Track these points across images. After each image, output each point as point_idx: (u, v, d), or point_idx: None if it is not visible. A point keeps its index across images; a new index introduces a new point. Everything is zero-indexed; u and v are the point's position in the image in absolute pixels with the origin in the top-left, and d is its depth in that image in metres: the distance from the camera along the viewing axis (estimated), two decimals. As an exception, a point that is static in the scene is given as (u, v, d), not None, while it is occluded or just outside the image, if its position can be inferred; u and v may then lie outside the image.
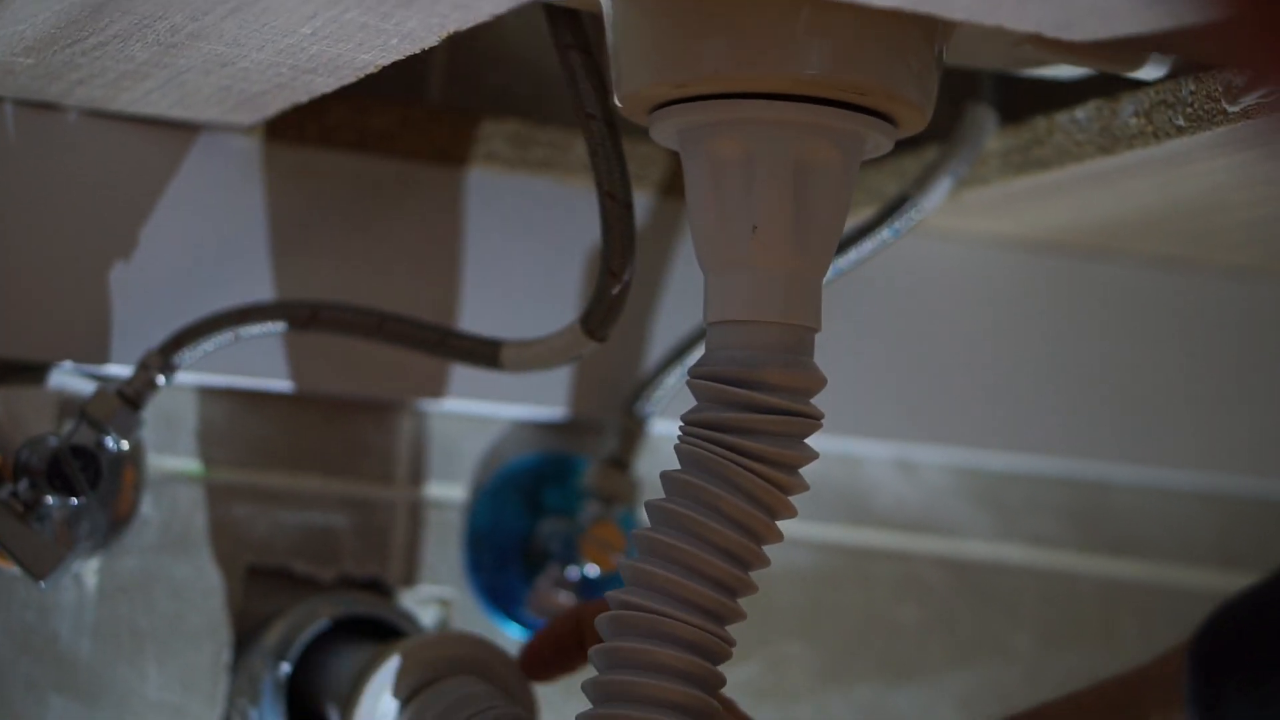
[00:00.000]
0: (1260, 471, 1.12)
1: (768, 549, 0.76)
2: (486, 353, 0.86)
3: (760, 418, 0.74)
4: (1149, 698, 0.81)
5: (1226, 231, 1.01)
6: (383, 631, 0.92)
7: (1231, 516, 1.13)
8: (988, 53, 0.82)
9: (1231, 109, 0.77)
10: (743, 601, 0.76)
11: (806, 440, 0.76)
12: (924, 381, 1.05)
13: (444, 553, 0.97)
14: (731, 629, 0.76)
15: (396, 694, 0.84)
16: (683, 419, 0.76)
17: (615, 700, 0.74)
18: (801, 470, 0.76)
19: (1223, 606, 0.76)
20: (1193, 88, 0.80)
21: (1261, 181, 0.88)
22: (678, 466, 0.76)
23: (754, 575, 0.76)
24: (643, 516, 0.99)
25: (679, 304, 0.99)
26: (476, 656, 0.85)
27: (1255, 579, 1.14)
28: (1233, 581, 1.13)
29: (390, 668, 0.84)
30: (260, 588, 0.94)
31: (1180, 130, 0.80)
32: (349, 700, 0.85)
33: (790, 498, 0.75)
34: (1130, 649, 1.11)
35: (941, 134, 0.91)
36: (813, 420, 0.75)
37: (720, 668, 0.76)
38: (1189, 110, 0.80)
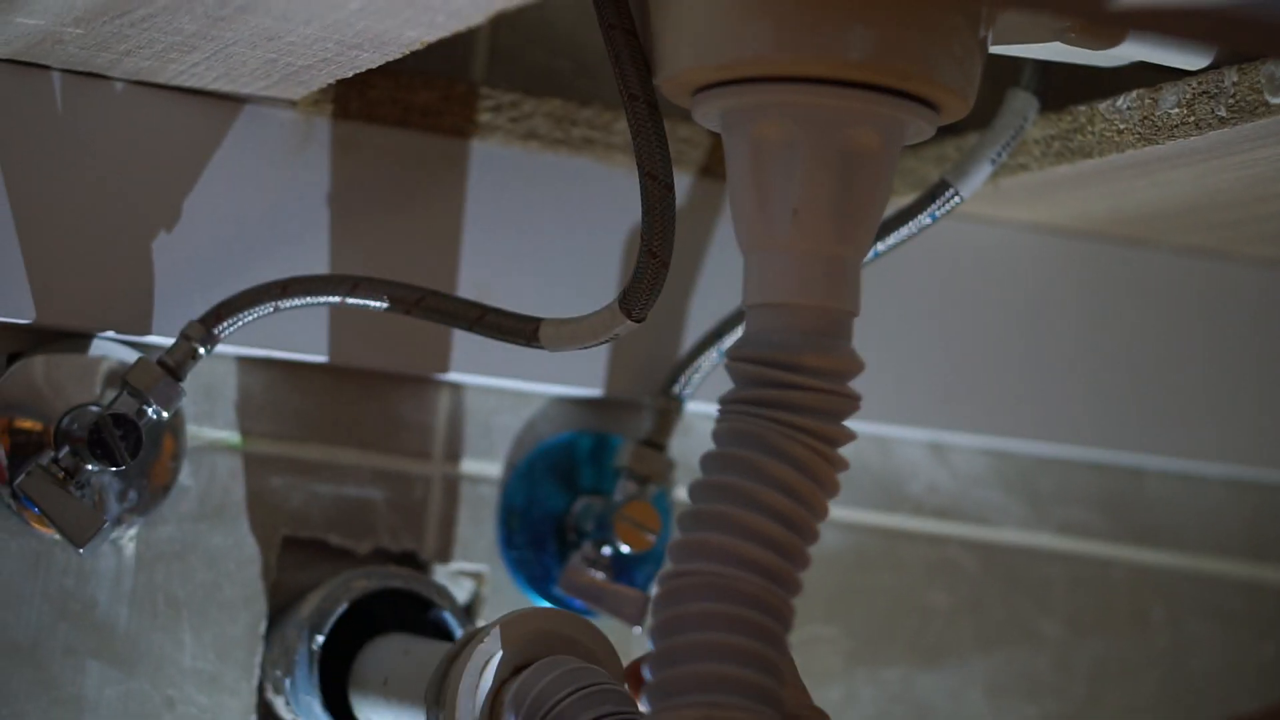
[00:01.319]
0: (1292, 463, 1.12)
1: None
2: (525, 330, 0.86)
3: (800, 394, 0.74)
4: None
5: (1263, 222, 1.01)
6: (417, 605, 0.93)
7: (1262, 507, 1.13)
8: (1031, 39, 0.82)
9: (1274, 100, 0.77)
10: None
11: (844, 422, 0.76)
12: (959, 367, 1.05)
13: (478, 528, 0.98)
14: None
15: (497, 673, 0.81)
16: (722, 399, 0.76)
17: (680, 663, 0.73)
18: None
19: None
20: (1235, 78, 0.80)
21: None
22: (714, 449, 0.76)
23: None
24: (677, 496, 0.99)
25: (717, 286, 0.99)
26: (572, 634, 0.83)
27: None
28: (1262, 572, 1.13)
29: (490, 646, 0.81)
30: (295, 559, 0.95)
31: (1222, 121, 0.81)
32: (445, 681, 0.82)
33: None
34: (1160, 637, 1.11)
35: (983, 120, 0.91)
36: (851, 402, 0.75)
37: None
38: (1231, 101, 0.80)
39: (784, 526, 0.74)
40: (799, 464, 0.74)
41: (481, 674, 0.81)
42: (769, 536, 0.73)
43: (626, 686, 0.81)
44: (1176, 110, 0.83)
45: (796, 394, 0.74)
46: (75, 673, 0.90)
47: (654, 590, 0.75)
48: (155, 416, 0.87)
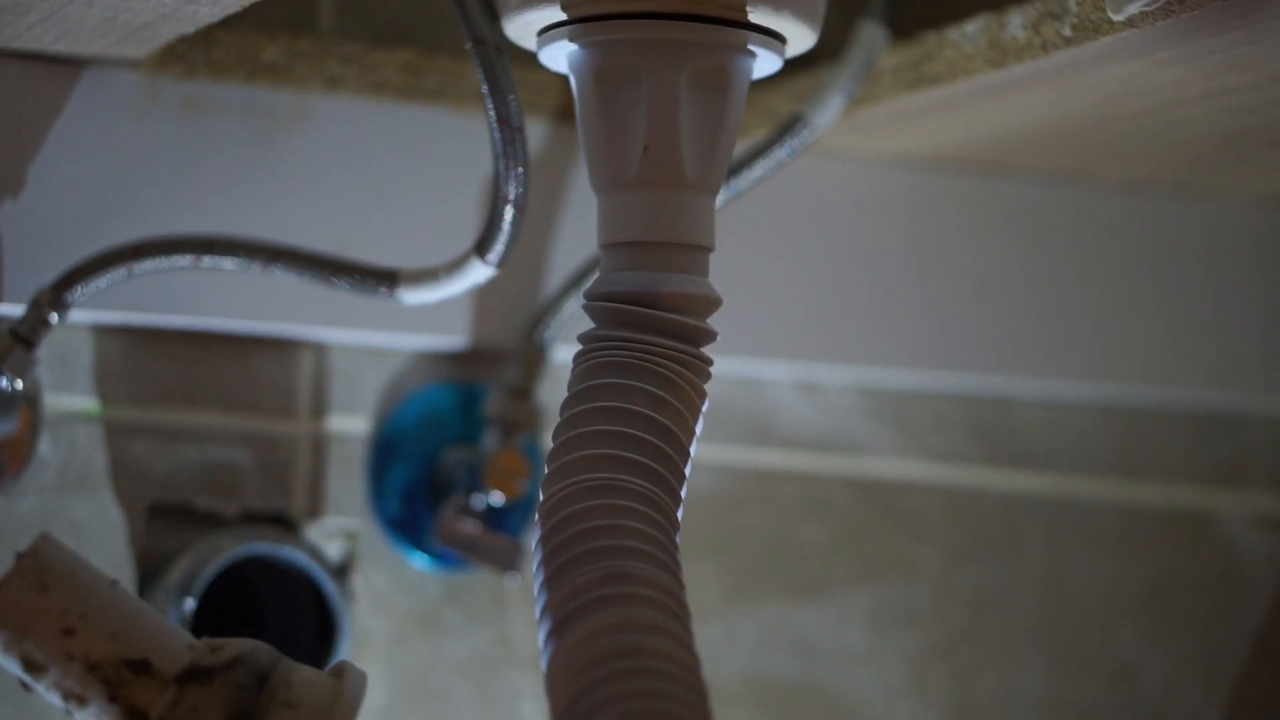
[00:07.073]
0: (1157, 381, 1.13)
1: None
2: (383, 282, 0.86)
3: (655, 339, 0.74)
4: None
5: (1117, 143, 1.01)
6: (288, 566, 0.92)
7: (1131, 427, 1.14)
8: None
9: (1117, 18, 0.78)
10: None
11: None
12: (823, 301, 1.05)
13: (348, 486, 0.97)
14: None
15: None
16: (580, 337, 0.75)
17: (575, 547, 0.69)
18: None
19: None
20: (1078, -2, 0.80)
21: (1149, 91, 0.89)
22: (573, 388, 0.75)
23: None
24: (546, 443, 0.99)
25: (577, 230, 0.99)
26: None
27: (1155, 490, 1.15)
28: (1134, 493, 1.14)
29: None
30: (163, 525, 0.94)
31: (1067, 41, 0.81)
32: None
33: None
34: (1036, 562, 1.12)
35: (833, 52, 0.92)
36: (707, 339, 0.75)
37: None
38: (1075, 21, 0.80)
39: (661, 440, 0.72)
40: (665, 383, 0.73)
41: None
42: (647, 445, 0.72)
43: None
44: (1023, 33, 0.83)
45: (650, 338, 0.73)
46: (-60, 651, 0.89)
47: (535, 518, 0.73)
48: (9, 387, 0.86)
